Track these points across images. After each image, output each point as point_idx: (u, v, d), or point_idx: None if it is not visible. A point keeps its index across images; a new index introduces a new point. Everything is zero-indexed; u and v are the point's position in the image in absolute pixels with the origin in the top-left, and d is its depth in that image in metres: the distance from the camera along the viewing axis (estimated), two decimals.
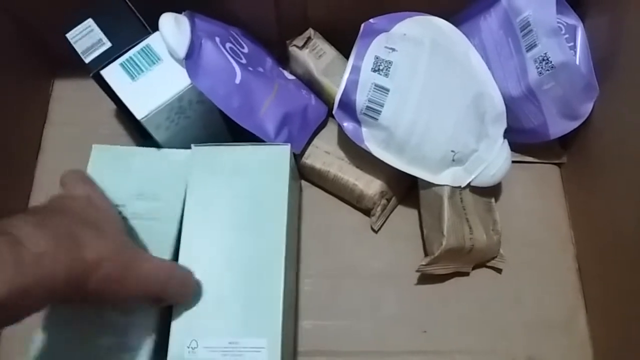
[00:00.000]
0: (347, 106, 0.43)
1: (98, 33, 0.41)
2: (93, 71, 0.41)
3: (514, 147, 0.50)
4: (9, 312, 0.26)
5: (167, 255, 0.38)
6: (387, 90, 0.42)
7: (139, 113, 0.39)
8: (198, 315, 0.36)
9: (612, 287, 0.43)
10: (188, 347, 0.35)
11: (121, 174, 0.40)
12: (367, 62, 0.42)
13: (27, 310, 0.27)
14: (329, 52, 0.48)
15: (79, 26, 0.42)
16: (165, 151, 0.42)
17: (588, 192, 0.47)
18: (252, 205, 0.38)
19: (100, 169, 0.41)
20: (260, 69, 0.46)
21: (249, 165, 0.40)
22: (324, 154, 0.48)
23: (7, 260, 0.25)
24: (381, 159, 0.44)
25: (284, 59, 0.51)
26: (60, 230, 0.29)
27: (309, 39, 0.48)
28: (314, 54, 0.48)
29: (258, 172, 0.39)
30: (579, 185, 0.49)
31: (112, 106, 0.52)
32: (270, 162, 0.40)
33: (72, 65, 0.42)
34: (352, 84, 0.42)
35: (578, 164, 0.49)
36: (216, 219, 0.38)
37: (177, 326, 0.35)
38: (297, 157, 0.48)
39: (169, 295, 0.35)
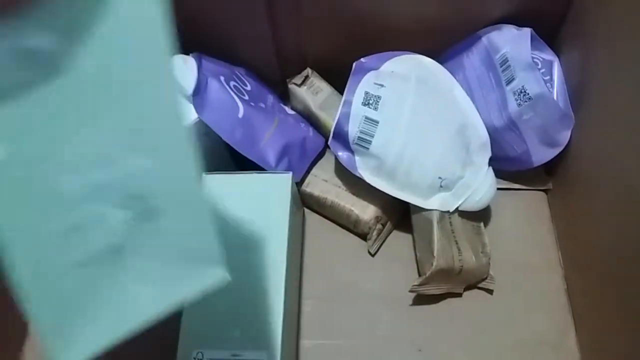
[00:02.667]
0: (341, 137, 0.47)
1: None
2: None
3: (502, 175, 0.53)
4: None
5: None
6: (377, 122, 0.45)
7: None
8: (204, 328, 0.39)
9: (600, 305, 0.45)
10: (194, 358, 0.38)
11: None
12: (358, 97, 0.46)
13: None
14: (325, 89, 0.53)
15: None
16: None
17: (573, 216, 0.50)
18: (256, 228, 0.42)
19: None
20: (262, 105, 0.50)
21: (254, 192, 0.43)
22: (322, 182, 0.52)
23: None
24: (374, 185, 0.47)
25: (285, 96, 0.55)
26: None
27: (306, 77, 0.53)
28: (312, 91, 0.52)
29: (262, 198, 0.43)
30: (565, 209, 0.51)
31: None
32: (273, 189, 0.43)
33: None
34: (345, 117, 0.46)
35: (563, 190, 0.52)
36: (225, 241, 0.41)
37: (185, 338, 0.38)
38: (297, 185, 0.52)
39: None
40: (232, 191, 0.43)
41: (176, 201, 0.24)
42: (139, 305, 0.25)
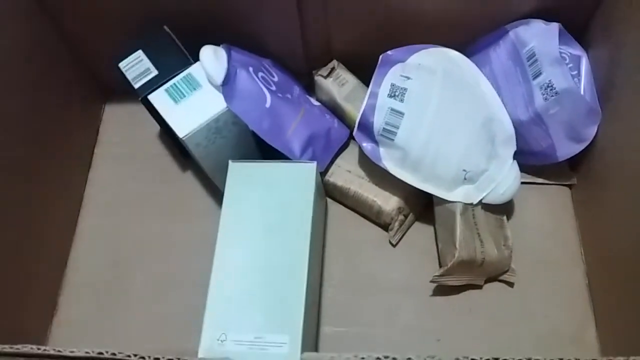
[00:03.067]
0: (366, 128, 0.47)
1: (146, 62, 0.47)
2: (141, 96, 0.46)
3: (526, 170, 0.53)
4: None
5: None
6: (402, 113, 0.46)
7: (181, 132, 0.44)
8: (228, 311, 0.40)
9: (622, 302, 0.45)
10: (218, 340, 0.39)
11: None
12: (384, 89, 0.46)
13: None
14: (351, 80, 0.53)
15: (130, 57, 0.48)
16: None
17: (597, 212, 0.50)
18: (281, 216, 0.43)
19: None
20: (289, 95, 0.51)
21: (280, 180, 0.44)
22: (346, 173, 0.52)
23: None
24: (397, 176, 0.48)
25: (311, 88, 0.56)
26: None
27: (332, 69, 0.53)
28: (337, 83, 0.53)
29: (287, 186, 0.44)
30: (589, 205, 0.51)
31: (156, 129, 0.58)
32: (298, 178, 0.44)
33: (121, 91, 0.48)
34: (371, 108, 0.47)
35: (587, 185, 0.52)
36: (248, 227, 0.42)
37: (209, 320, 0.39)
38: (321, 175, 0.52)
39: None
40: (258, 179, 0.44)
41: None
42: None
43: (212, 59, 0.45)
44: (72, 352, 0.24)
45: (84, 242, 0.55)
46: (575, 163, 0.53)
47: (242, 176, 0.45)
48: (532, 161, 0.52)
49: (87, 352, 0.24)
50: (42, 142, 0.50)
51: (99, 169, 0.58)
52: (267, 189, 0.44)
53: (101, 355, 0.23)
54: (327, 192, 0.54)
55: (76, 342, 0.50)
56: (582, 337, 0.48)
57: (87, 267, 0.53)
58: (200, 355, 0.39)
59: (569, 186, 0.54)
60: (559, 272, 0.50)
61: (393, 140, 0.46)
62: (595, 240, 0.50)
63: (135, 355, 0.26)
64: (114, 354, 0.25)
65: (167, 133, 0.52)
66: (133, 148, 0.58)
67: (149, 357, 0.26)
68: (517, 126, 0.49)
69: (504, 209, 0.51)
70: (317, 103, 0.55)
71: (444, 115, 0.46)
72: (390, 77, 0.47)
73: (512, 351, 0.47)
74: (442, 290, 0.50)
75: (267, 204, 0.43)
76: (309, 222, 0.42)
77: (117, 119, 0.60)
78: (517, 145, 0.49)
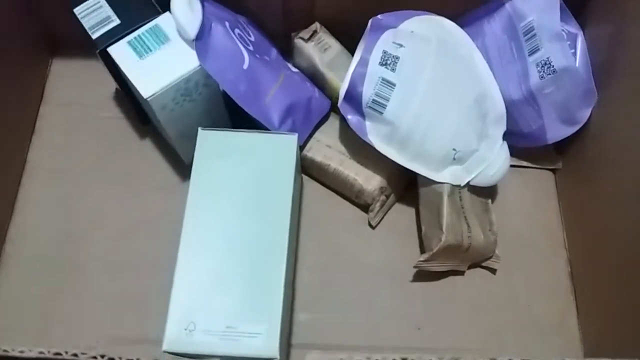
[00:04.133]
0: (353, 99, 0.43)
1: (107, 10, 0.41)
2: (100, 48, 0.40)
3: (511, 152, 0.50)
4: None
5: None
6: (394, 84, 0.42)
7: (146, 92, 0.38)
8: (197, 297, 0.35)
9: (604, 290, 0.44)
10: (185, 330, 0.34)
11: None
12: (375, 56, 0.42)
13: None
14: (335, 46, 0.49)
15: (88, 1, 0.41)
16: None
17: (582, 198, 0.48)
18: (257, 192, 0.38)
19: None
20: (267, 58, 0.46)
21: (256, 152, 0.39)
22: (325, 148, 0.48)
23: None
24: (384, 153, 0.44)
25: (287, 52, 0.51)
26: None
27: (314, 32, 0.48)
28: (320, 47, 0.48)
29: (265, 159, 0.39)
30: (573, 190, 0.50)
31: (112, 88, 0.52)
32: (278, 150, 0.40)
33: (71, 43, 0.42)
34: (360, 77, 0.42)
35: (573, 170, 0.50)
36: (220, 203, 0.38)
37: (175, 307, 0.35)
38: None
39: None
40: (232, 149, 0.39)
41: None
42: None
43: (186, 9, 0.39)
44: (21, 352, 0.19)
45: (25, 213, 0.48)
46: (561, 146, 0.51)
47: (213, 146, 0.40)
48: (519, 143, 0.50)
49: (40, 353, 0.19)
50: None
51: (44, 133, 0.51)
52: (242, 161, 0.39)
53: (57, 357, 0.19)
54: (304, 168, 0.50)
55: (19, 329, 0.44)
56: (564, 326, 0.47)
57: (30, 240, 0.47)
58: (165, 347, 0.34)
59: (554, 170, 0.52)
60: (542, 259, 0.49)
61: (382, 113, 0.43)
62: (578, 227, 0.49)
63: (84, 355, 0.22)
64: (58, 354, 0.20)
65: (126, 93, 0.45)
66: (84, 109, 0.51)
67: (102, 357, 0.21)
68: (508, 105, 0.46)
69: (489, 192, 0.49)
70: (295, 70, 0.50)
71: (437, 88, 0.43)
72: (381, 44, 0.43)
73: (493, 339, 0.45)
74: (423, 275, 0.47)
75: (242, 178, 0.38)
76: (288, 200, 0.38)
77: (66, 76, 0.53)
78: (506, 125, 0.47)
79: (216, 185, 0.38)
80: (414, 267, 0.45)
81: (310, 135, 0.49)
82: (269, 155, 0.39)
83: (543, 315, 0.47)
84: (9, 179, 0.48)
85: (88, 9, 0.41)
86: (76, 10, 0.41)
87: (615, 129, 0.43)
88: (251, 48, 0.44)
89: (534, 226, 0.50)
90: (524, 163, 0.52)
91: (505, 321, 0.46)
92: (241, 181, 0.38)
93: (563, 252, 0.49)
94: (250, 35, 0.46)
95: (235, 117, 0.47)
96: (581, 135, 0.47)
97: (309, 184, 0.50)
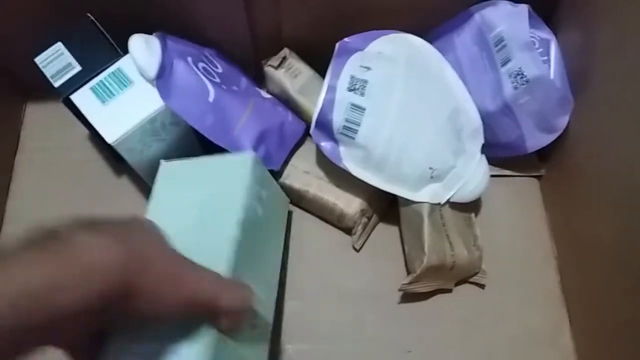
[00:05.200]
0: (324, 126, 0.43)
1: (68, 57, 0.41)
2: (63, 96, 0.40)
3: (493, 162, 0.50)
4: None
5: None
6: (364, 109, 0.41)
7: (110, 137, 0.38)
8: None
9: (594, 298, 0.43)
10: None
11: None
12: (343, 82, 0.42)
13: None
14: (305, 71, 0.48)
15: (48, 50, 0.41)
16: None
17: (567, 204, 0.47)
18: (208, 211, 0.36)
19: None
20: (235, 88, 0.45)
21: (211, 175, 0.38)
22: (303, 174, 0.48)
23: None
24: (360, 177, 0.44)
25: (260, 79, 0.50)
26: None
27: (284, 58, 0.48)
28: (290, 74, 0.48)
29: (218, 180, 0.37)
30: (558, 197, 0.49)
31: (85, 131, 0.51)
32: (232, 170, 0.38)
33: (43, 89, 0.41)
34: (329, 104, 0.42)
35: (556, 176, 0.49)
36: (173, 225, 0.33)
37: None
38: (276, 177, 0.48)
39: (224, 307, 0.30)
40: (188, 177, 0.38)
41: None
42: None
43: (144, 50, 0.39)
44: None
45: None
46: (544, 153, 0.50)
47: (172, 176, 0.39)
48: (499, 153, 0.49)
49: None
50: None
51: (21, 179, 0.51)
52: (196, 187, 0.38)
53: None
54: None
55: None
56: (557, 337, 0.46)
57: None
58: None
59: (538, 177, 0.51)
60: (531, 269, 0.48)
61: (354, 138, 0.42)
62: (566, 234, 0.48)
63: None
64: None
65: (96, 137, 0.45)
66: (60, 154, 0.51)
67: None
68: (485, 117, 0.46)
69: (472, 206, 0.48)
70: (268, 96, 0.50)
71: (409, 109, 0.42)
72: (348, 68, 0.42)
73: (486, 356, 0.45)
74: (410, 296, 0.46)
75: (195, 201, 0.37)
76: (235, 222, 0.35)
77: (40, 121, 0.53)
78: (484, 137, 0.46)
79: (170, 214, 0.36)
80: (399, 290, 0.44)
81: (287, 161, 0.48)
82: (224, 178, 0.38)
83: (536, 328, 0.46)
84: None
85: (49, 57, 0.40)
86: (37, 60, 0.40)
87: (594, 134, 0.43)
88: (217, 80, 0.44)
89: (522, 235, 0.49)
90: (507, 172, 0.51)
91: (497, 337, 0.45)
92: (194, 203, 0.37)
93: (552, 260, 0.48)
94: (217, 67, 0.45)
95: (208, 150, 0.46)
96: (561, 141, 0.46)
97: (292, 210, 0.50)
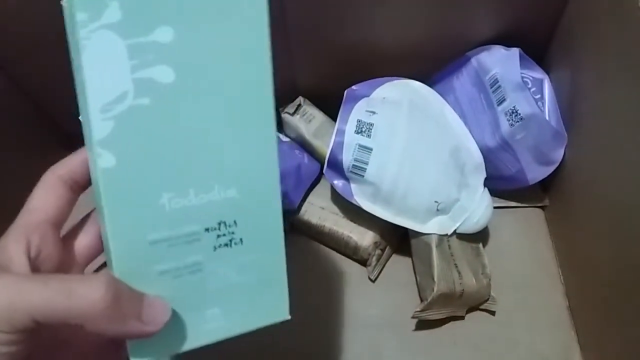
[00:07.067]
0: (336, 166, 0.47)
1: None
2: None
3: (498, 194, 0.53)
4: None
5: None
6: (370, 149, 0.45)
7: None
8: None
9: (602, 320, 0.45)
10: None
11: None
12: (351, 125, 0.46)
13: None
14: (318, 116, 0.53)
15: None
16: None
17: (570, 231, 0.50)
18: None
19: None
20: None
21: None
22: (319, 210, 0.51)
23: None
24: (370, 212, 0.47)
25: (278, 125, 0.55)
26: None
27: (299, 105, 0.53)
28: (305, 119, 0.52)
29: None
30: (562, 225, 0.51)
31: None
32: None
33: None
34: (338, 146, 0.46)
35: (559, 205, 0.52)
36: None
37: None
38: (293, 214, 0.51)
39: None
40: None
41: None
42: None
43: None
44: None
45: None
46: (546, 184, 0.53)
47: None
48: (503, 186, 0.52)
49: None
50: (3, 196, 0.48)
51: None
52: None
53: None
54: (302, 230, 0.53)
55: None
56: None
57: None
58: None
59: (542, 207, 0.54)
60: (540, 295, 0.50)
61: (363, 176, 0.46)
62: (571, 260, 0.50)
63: None
64: None
65: None
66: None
67: None
68: (486, 153, 0.49)
69: (479, 236, 0.51)
70: (285, 139, 0.54)
71: (412, 147, 0.46)
72: (355, 113, 0.46)
73: None
74: (424, 324, 0.49)
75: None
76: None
77: None
78: (487, 171, 0.49)
79: None
80: (412, 317, 0.47)
81: (305, 199, 0.52)
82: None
83: (546, 353, 0.48)
84: None
85: None
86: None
87: (590, 165, 0.45)
88: None
89: (529, 263, 0.52)
90: (512, 203, 0.54)
91: None
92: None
93: (559, 285, 0.51)
94: None
95: None
96: (560, 173, 0.49)
97: (310, 244, 0.53)
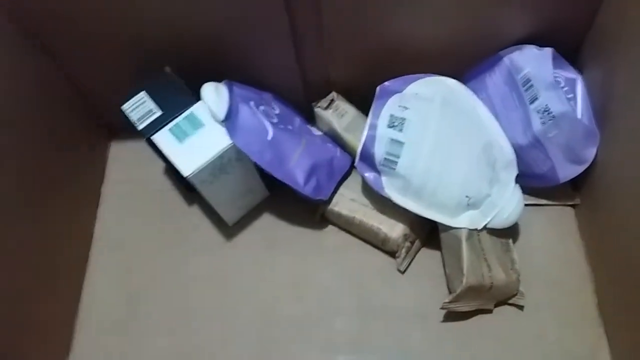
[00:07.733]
0: (367, 158, 0.48)
1: (150, 103, 0.48)
2: (146, 136, 0.47)
3: (530, 192, 0.53)
4: None
5: None
6: (402, 143, 0.47)
7: (186, 171, 0.45)
8: None
9: (633, 319, 0.45)
10: None
11: None
12: (383, 120, 0.47)
13: None
14: (350, 111, 0.54)
15: (134, 98, 0.49)
16: None
17: (602, 231, 0.50)
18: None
19: None
20: (290, 127, 0.52)
21: None
22: (350, 202, 0.53)
23: None
24: (401, 204, 0.48)
25: (312, 118, 0.57)
26: None
27: (332, 100, 0.54)
28: (337, 114, 0.54)
29: None
30: (593, 224, 0.51)
31: (161, 165, 0.59)
32: None
33: (126, 130, 0.49)
34: (371, 140, 0.47)
35: (590, 204, 0.52)
36: None
37: None
38: (325, 205, 0.53)
39: None
40: None
41: None
42: None
43: (214, 96, 0.46)
44: None
45: (96, 281, 0.55)
46: (577, 183, 0.53)
47: None
48: (534, 183, 0.52)
49: None
50: (50, 183, 0.51)
51: (107, 207, 0.59)
52: None
53: None
54: (332, 220, 0.54)
55: None
56: (595, 358, 0.47)
57: (101, 305, 0.54)
58: None
59: (573, 206, 0.54)
60: (568, 292, 0.50)
61: (394, 169, 0.47)
62: (601, 258, 0.50)
63: None
64: None
65: (173, 170, 0.52)
66: (140, 185, 0.59)
67: None
68: (518, 150, 0.50)
69: (510, 232, 0.51)
70: (318, 133, 0.56)
71: (444, 142, 0.47)
72: (388, 108, 0.48)
73: None
74: (452, 316, 0.49)
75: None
76: None
77: (123, 158, 0.61)
78: (518, 168, 0.50)
79: None
80: (441, 308, 0.48)
81: (336, 191, 0.53)
82: None
83: (574, 350, 0.48)
84: (80, 251, 0.56)
85: (134, 104, 0.48)
86: (124, 107, 0.48)
87: (622, 164, 0.45)
88: (275, 120, 0.50)
89: (558, 261, 0.52)
90: (543, 201, 0.54)
91: (535, 356, 0.48)
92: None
93: (589, 283, 0.51)
94: (275, 109, 0.52)
95: (267, 180, 0.53)
96: (592, 172, 0.49)
97: (340, 235, 0.55)
